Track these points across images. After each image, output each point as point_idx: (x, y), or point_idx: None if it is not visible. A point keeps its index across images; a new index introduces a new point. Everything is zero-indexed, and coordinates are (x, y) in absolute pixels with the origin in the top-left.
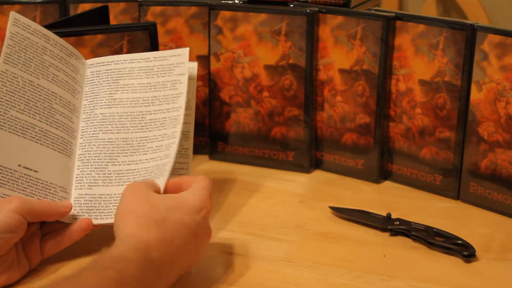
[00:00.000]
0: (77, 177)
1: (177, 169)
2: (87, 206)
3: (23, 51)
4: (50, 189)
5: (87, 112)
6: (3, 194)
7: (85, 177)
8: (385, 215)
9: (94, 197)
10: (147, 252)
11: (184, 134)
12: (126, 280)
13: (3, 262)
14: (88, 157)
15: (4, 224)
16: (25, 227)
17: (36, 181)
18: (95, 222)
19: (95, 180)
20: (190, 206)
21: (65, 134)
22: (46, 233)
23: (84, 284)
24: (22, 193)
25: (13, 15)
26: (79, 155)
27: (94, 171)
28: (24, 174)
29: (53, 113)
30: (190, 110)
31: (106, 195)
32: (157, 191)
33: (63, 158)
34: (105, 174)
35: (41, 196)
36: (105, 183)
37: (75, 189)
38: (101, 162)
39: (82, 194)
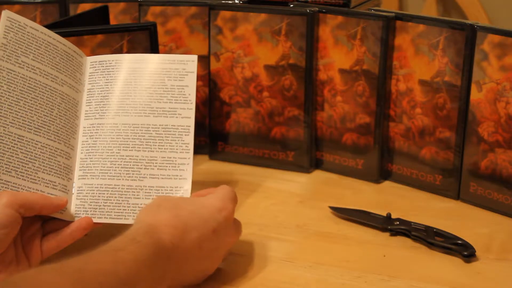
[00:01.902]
0: (81, 166)
1: (179, 165)
2: (90, 197)
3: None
4: (49, 184)
5: (92, 111)
6: (5, 180)
7: (88, 167)
8: (385, 215)
9: (98, 188)
10: (157, 234)
11: (184, 129)
12: (138, 263)
13: (3, 261)
14: (93, 145)
15: None
16: (19, 221)
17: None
18: (95, 220)
19: (102, 170)
20: (209, 204)
21: (66, 128)
22: (47, 233)
23: (99, 262)
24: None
25: (6, 13)
26: (82, 142)
27: (100, 161)
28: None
29: (52, 108)
30: (190, 104)
31: (109, 185)
32: None
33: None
34: (113, 162)
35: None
36: (111, 174)
37: (79, 178)
38: (108, 150)
39: (86, 184)
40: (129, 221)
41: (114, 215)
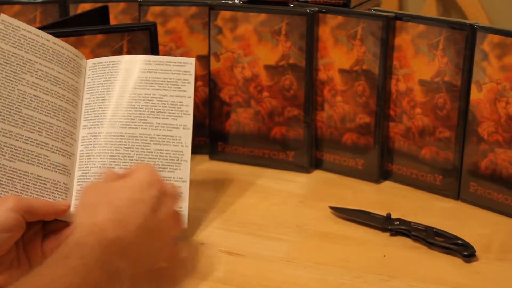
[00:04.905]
0: (79, 167)
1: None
2: None
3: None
4: (46, 184)
5: (89, 112)
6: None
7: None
8: (385, 215)
9: None
10: (102, 233)
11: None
12: (90, 265)
13: (3, 262)
14: (94, 145)
15: (2, 224)
16: (23, 225)
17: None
18: None
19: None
20: (137, 183)
21: (66, 125)
22: (48, 234)
23: (50, 277)
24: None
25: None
26: (81, 144)
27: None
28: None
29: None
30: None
31: None
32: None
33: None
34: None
35: (39, 193)
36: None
37: (77, 179)
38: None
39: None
40: None
41: None
